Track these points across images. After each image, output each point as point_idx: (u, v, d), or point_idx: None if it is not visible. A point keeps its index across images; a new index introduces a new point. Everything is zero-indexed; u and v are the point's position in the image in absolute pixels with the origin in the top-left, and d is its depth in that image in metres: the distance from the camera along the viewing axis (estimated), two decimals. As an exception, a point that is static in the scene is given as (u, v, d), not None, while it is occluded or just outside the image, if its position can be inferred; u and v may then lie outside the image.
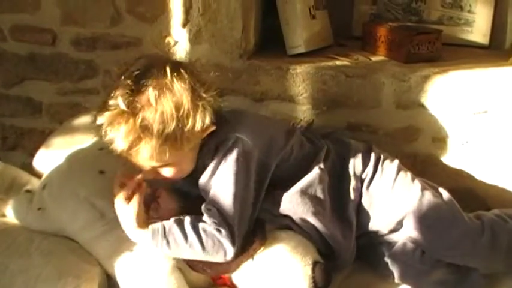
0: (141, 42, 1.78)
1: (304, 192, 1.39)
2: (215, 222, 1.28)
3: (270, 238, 1.39)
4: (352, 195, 1.44)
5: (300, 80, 1.70)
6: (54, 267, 1.39)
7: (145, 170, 1.32)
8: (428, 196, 1.43)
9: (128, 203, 1.30)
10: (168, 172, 1.33)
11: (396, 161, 1.50)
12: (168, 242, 1.29)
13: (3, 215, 1.61)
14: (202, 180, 1.34)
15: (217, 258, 1.31)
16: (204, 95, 1.28)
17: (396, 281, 1.45)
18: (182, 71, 1.28)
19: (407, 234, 1.45)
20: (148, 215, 1.35)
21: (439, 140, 1.68)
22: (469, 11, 1.97)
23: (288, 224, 1.41)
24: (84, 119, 1.70)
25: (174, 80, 1.25)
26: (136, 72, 1.26)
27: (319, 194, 1.41)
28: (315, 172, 1.42)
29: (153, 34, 1.76)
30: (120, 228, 1.37)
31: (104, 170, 1.50)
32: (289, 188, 1.39)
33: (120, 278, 1.39)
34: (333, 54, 1.80)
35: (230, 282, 1.42)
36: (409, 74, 1.66)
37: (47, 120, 1.94)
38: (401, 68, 1.70)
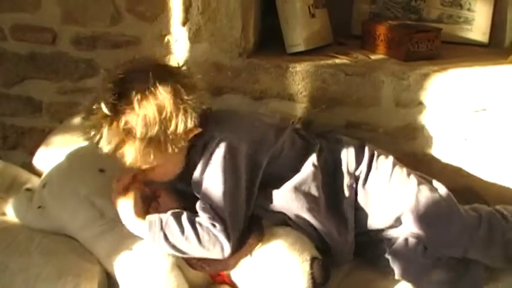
0: (141, 41, 1.79)
1: (297, 189, 1.40)
2: (209, 218, 1.31)
3: (268, 235, 1.39)
4: (346, 193, 1.45)
5: (300, 78, 1.70)
6: (54, 266, 1.39)
7: (134, 171, 1.36)
8: (425, 191, 1.44)
9: (125, 194, 1.34)
10: (154, 174, 1.37)
11: (391, 157, 1.50)
12: (165, 234, 1.31)
13: (4, 214, 1.61)
14: (194, 178, 1.36)
15: (215, 253, 1.32)
16: (186, 98, 1.30)
17: (397, 277, 1.46)
18: (165, 74, 1.31)
19: (408, 230, 1.45)
20: (149, 213, 1.37)
21: (438, 138, 1.68)
22: (468, 9, 1.97)
23: (285, 220, 1.42)
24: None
25: (157, 83, 1.28)
26: (119, 76, 1.29)
27: (313, 191, 1.42)
28: (309, 169, 1.43)
29: (153, 33, 1.77)
30: (120, 227, 1.39)
31: (104, 168, 1.51)
32: (283, 185, 1.41)
33: (119, 277, 1.39)
34: (332, 52, 1.81)
35: (229, 280, 1.42)
36: (409, 72, 1.66)
37: (47, 119, 1.95)
38: (400, 66, 1.70)
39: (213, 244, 1.31)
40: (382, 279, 1.47)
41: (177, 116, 1.28)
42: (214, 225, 1.30)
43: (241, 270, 1.39)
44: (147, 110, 1.26)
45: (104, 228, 1.44)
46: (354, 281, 1.47)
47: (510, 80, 1.63)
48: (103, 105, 1.26)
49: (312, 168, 1.43)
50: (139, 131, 1.26)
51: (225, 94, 1.75)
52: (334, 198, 1.45)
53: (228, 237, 1.30)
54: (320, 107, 1.71)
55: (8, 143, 2.01)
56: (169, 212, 1.34)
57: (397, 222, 1.46)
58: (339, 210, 1.45)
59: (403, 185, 1.45)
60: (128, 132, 1.27)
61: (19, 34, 1.88)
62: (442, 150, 1.68)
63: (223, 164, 1.32)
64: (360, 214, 1.46)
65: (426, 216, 1.42)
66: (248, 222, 1.37)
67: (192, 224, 1.31)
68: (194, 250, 1.32)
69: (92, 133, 1.29)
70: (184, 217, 1.32)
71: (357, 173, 1.47)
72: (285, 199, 1.40)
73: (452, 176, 1.65)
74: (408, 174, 1.47)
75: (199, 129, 1.34)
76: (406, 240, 1.46)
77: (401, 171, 1.47)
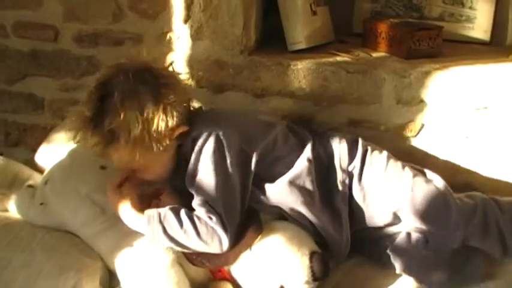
0: (142, 39, 1.79)
1: (292, 183, 1.42)
2: (205, 211, 1.32)
3: (267, 229, 1.40)
4: (339, 188, 1.46)
5: (301, 76, 1.70)
6: (56, 262, 1.40)
7: (125, 171, 1.40)
8: (420, 184, 1.45)
9: (120, 192, 1.38)
10: (143, 173, 1.40)
11: (385, 152, 1.51)
12: (163, 227, 1.32)
13: (6, 210, 1.62)
14: (187, 176, 1.38)
15: (213, 246, 1.33)
16: (168, 97, 1.33)
17: (398, 272, 1.46)
18: (146, 75, 1.34)
19: (407, 224, 1.46)
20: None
21: (440, 135, 1.68)
22: (470, 8, 1.97)
23: (282, 214, 1.43)
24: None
25: (138, 84, 1.32)
26: (101, 80, 1.34)
27: (308, 185, 1.43)
28: (303, 164, 1.44)
29: (154, 30, 1.77)
30: (120, 224, 1.39)
31: (106, 165, 1.51)
32: (278, 179, 1.42)
33: (120, 273, 1.39)
34: (333, 50, 1.80)
35: (229, 276, 1.42)
36: (410, 70, 1.66)
37: (49, 116, 1.95)
38: (402, 64, 1.70)
39: (211, 237, 1.31)
40: (383, 275, 1.48)
41: (157, 115, 1.31)
42: (210, 218, 1.31)
43: (241, 266, 1.39)
44: (129, 111, 1.30)
45: (105, 225, 1.45)
46: (355, 278, 1.47)
47: (511, 78, 1.63)
48: (86, 109, 1.31)
49: (306, 163, 1.44)
50: (122, 131, 1.30)
51: (227, 91, 1.76)
52: (328, 194, 1.46)
53: (225, 229, 1.31)
54: (321, 104, 1.71)
55: (10, 140, 2.02)
56: (167, 207, 1.35)
57: (396, 218, 1.46)
58: (333, 205, 1.46)
59: (398, 178, 1.46)
60: (113, 134, 1.31)
61: (21, 31, 1.88)
62: (443, 148, 1.69)
63: (213, 157, 1.34)
64: (358, 210, 1.47)
65: (423, 209, 1.43)
66: (245, 216, 1.38)
67: (190, 217, 1.32)
68: (193, 243, 1.33)
69: (78, 137, 1.34)
70: (182, 211, 1.34)
71: (350, 168, 1.48)
72: (280, 193, 1.41)
73: (453, 174, 1.65)
74: (403, 167, 1.48)
75: (185, 128, 1.37)
76: (407, 234, 1.46)
77: (395, 165, 1.49)
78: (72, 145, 1.60)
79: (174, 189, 1.44)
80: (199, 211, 1.33)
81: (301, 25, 1.78)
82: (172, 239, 1.32)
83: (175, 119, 1.34)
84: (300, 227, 1.43)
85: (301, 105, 1.72)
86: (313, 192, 1.44)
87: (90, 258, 1.43)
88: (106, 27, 1.81)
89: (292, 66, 1.70)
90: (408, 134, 1.70)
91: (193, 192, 1.36)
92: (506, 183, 1.66)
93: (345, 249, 1.47)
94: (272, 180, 1.42)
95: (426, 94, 1.66)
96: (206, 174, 1.34)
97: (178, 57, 1.76)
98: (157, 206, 1.38)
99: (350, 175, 1.47)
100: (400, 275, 1.47)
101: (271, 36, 1.89)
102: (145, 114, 1.30)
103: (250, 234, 1.37)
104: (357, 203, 1.47)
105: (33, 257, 1.41)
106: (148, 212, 1.35)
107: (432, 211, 1.43)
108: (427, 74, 1.65)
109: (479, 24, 1.96)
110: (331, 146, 1.51)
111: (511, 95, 1.63)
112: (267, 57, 1.74)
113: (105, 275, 1.43)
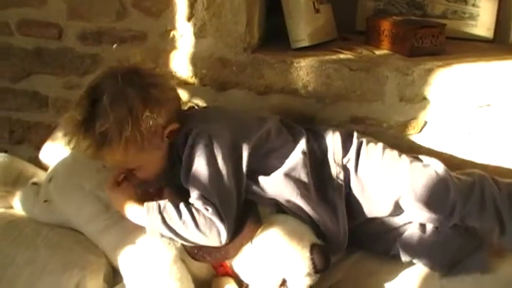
0: (146, 37, 1.79)
1: (288, 175, 1.42)
2: (202, 203, 1.33)
3: (267, 222, 1.41)
4: (334, 182, 1.47)
5: (304, 73, 1.70)
6: (61, 259, 1.40)
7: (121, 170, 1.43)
8: (418, 168, 1.46)
9: (118, 187, 1.41)
10: (138, 172, 1.42)
11: (380, 143, 1.52)
12: (163, 218, 1.33)
13: (11, 207, 1.63)
14: (182, 171, 1.39)
15: (212, 238, 1.33)
16: (157, 97, 1.36)
17: (409, 260, 1.47)
18: (134, 77, 1.37)
19: (409, 212, 1.47)
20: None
21: (443, 133, 1.68)
22: (473, 5, 1.97)
23: (281, 207, 1.44)
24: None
25: (126, 86, 1.35)
26: (91, 84, 1.38)
27: (303, 178, 1.44)
28: (298, 156, 1.45)
29: (158, 28, 1.77)
30: (124, 221, 1.40)
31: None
32: (273, 172, 1.43)
33: (123, 269, 1.40)
34: (336, 48, 1.80)
35: (231, 271, 1.43)
36: (413, 68, 1.66)
37: (53, 114, 1.95)
38: (405, 62, 1.70)
39: (209, 228, 1.32)
40: (388, 269, 1.49)
41: (147, 114, 1.34)
42: (207, 209, 1.33)
43: (243, 259, 1.40)
44: (119, 113, 1.33)
45: (108, 222, 1.46)
46: (357, 274, 1.48)
47: (514, 75, 1.63)
48: (77, 114, 1.33)
49: (301, 155, 1.45)
50: (113, 132, 1.32)
51: (230, 89, 1.76)
52: (323, 187, 1.47)
53: (222, 220, 1.32)
54: (324, 102, 1.71)
55: (14, 138, 2.02)
56: (166, 200, 1.36)
57: (398, 208, 1.47)
58: (327, 199, 1.46)
59: (395, 166, 1.47)
60: (104, 136, 1.33)
61: (25, 29, 1.89)
62: (446, 146, 1.69)
63: (204, 151, 1.36)
64: (358, 203, 1.48)
65: (423, 193, 1.43)
66: (243, 209, 1.39)
67: (189, 209, 1.33)
68: (191, 235, 1.33)
69: (70, 141, 1.36)
70: (181, 204, 1.35)
71: (344, 162, 1.48)
72: (276, 186, 1.42)
73: (456, 171, 1.65)
74: (399, 155, 1.49)
75: (176, 126, 1.40)
76: (416, 225, 1.47)
77: (392, 153, 1.49)
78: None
79: (176, 188, 1.44)
80: (197, 204, 1.34)
81: (304, 23, 1.78)
82: (171, 229, 1.33)
83: (164, 117, 1.37)
84: (299, 219, 1.43)
85: (304, 102, 1.73)
86: (309, 184, 1.44)
87: (94, 255, 1.43)
88: (110, 25, 1.81)
89: (295, 64, 1.70)
90: (411, 131, 1.70)
91: (188, 188, 1.37)
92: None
93: (342, 242, 1.47)
94: (267, 172, 1.43)
95: (429, 91, 1.66)
96: (199, 168, 1.35)
97: (182, 55, 1.76)
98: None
99: (345, 168, 1.48)
100: (402, 270, 1.47)
101: (274, 34, 1.89)
102: (134, 115, 1.33)
103: (250, 227, 1.38)
104: (355, 196, 1.47)
105: (38, 253, 1.42)
106: (147, 203, 1.36)
107: (433, 195, 1.43)
108: (430, 71, 1.65)
109: (482, 21, 1.96)
110: (324, 140, 1.52)
111: (514, 92, 1.63)
112: (270, 54, 1.74)
113: (109, 272, 1.43)
